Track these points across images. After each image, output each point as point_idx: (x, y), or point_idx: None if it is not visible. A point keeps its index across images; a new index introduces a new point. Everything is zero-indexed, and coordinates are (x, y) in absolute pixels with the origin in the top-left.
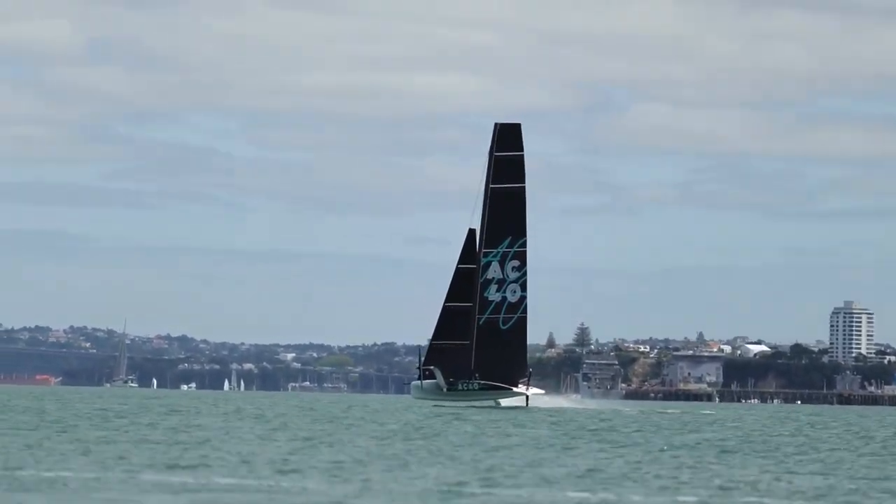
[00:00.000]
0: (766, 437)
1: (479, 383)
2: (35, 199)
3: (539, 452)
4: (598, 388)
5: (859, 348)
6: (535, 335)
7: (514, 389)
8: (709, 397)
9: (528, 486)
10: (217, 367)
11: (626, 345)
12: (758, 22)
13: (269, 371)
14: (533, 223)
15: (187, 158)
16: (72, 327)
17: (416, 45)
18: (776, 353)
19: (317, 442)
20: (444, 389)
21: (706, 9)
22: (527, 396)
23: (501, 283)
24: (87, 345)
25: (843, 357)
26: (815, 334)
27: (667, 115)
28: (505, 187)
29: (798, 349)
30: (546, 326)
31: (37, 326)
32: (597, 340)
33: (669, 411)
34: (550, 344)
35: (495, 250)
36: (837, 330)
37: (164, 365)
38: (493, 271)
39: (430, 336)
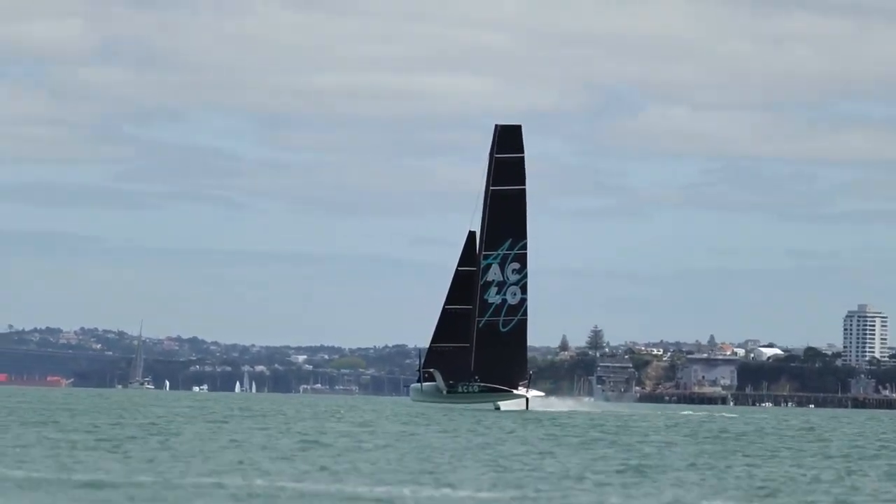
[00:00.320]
0: None
1: (478, 386)
2: (44, 200)
3: None
4: (613, 391)
5: (873, 352)
6: (548, 337)
7: (515, 392)
8: (723, 400)
9: None
10: (228, 368)
11: (638, 347)
12: (769, 24)
13: (280, 373)
14: (543, 225)
15: (196, 159)
16: (82, 329)
17: (425, 46)
18: (789, 356)
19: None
20: (444, 392)
21: (718, 11)
22: (527, 399)
23: (502, 286)
24: (98, 346)
25: (857, 361)
26: (826, 338)
27: (677, 117)
28: (505, 189)
29: (811, 353)
30: (557, 328)
31: (47, 328)
32: (608, 343)
33: (687, 412)
34: (563, 346)
35: (495, 252)
36: (851, 333)
37: (176, 367)
38: (494, 273)
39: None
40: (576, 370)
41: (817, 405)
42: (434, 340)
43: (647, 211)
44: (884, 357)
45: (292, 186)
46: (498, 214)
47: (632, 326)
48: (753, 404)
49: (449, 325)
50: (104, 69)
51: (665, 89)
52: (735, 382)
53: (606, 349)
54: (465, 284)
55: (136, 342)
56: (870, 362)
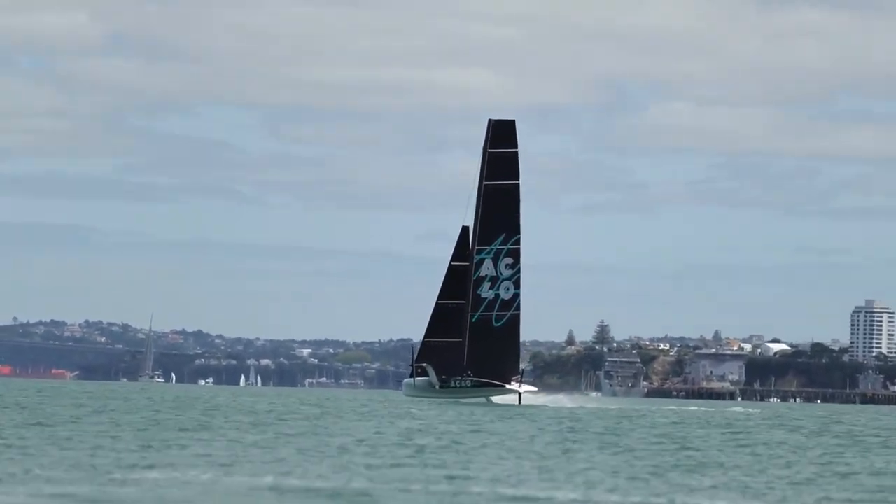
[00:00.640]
0: None
1: (471, 380)
2: (51, 193)
3: None
4: (621, 386)
5: (880, 347)
6: (554, 332)
7: (507, 387)
8: (731, 396)
9: None
10: (234, 362)
11: (644, 342)
12: (777, 20)
13: (286, 367)
14: (549, 220)
15: (203, 152)
16: (87, 322)
17: (434, 40)
18: (796, 351)
19: None
20: (437, 387)
21: (726, 7)
22: (519, 394)
23: (495, 281)
24: (103, 339)
25: (864, 356)
26: (831, 333)
27: (685, 113)
28: (499, 184)
29: (818, 348)
30: (561, 322)
31: (52, 320)
32: (612, 338)
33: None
34: (570, 341)
35: (489, 248)
36: (858, 329)
37: (181, 360)
38: (487, 269)
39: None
40: (583, 365)
41: (824, 401)
42: (427, 335)
43: (654, 206)
44: (891, 353)
45: (299, 180)
46: (491, 209)
47: (636, 321)
48: (762, 400)
49: (442, 319)
50: (111, 61)
51: (672, 85)
52: (743, 378)
53: (614, 344)
54: (459, 279)
55: (140, 335)
56: (877, 358)
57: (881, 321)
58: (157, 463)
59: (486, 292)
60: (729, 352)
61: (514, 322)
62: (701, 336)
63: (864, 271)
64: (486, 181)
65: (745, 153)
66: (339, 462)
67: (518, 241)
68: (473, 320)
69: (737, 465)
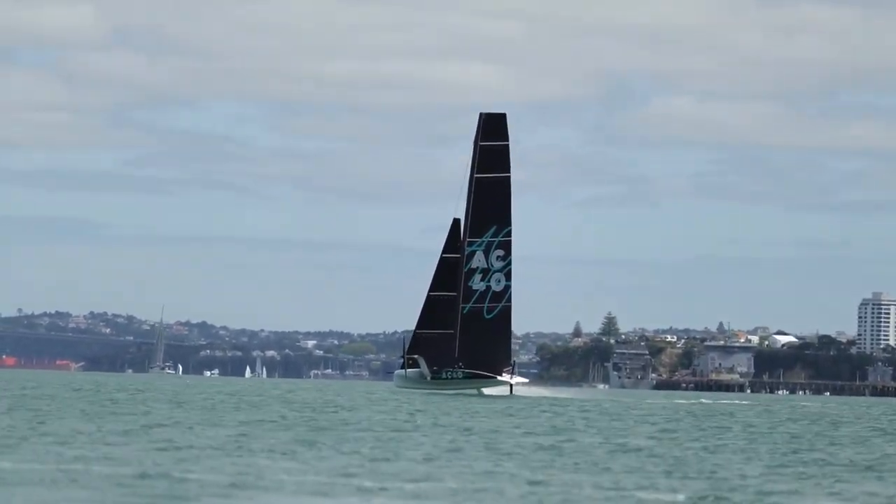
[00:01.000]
0: None
1: (463, 372)
2: (56, 186)
3: None
4: (629, 377)
5: (888, 339)
6: (558, 324)
7: (499, 378)
8: (740, 388)
9: None
10: (239, 353)
11: (648, 334)
12: (778, 14)
13: (291, 358)
14: (552, 213)
15: (208, 146)
16: (92, 313)
17: (438, 35)
18: (804, 344)
19: None
20: (428, 378)
21: (728, 1)
22: (511, 385)
23: (486, 273)
24: (108, 331)
25: (872, 348)
26: (836, 325)
27: (687, 107)
28: (490, 177)
29: (826, 340)
30: (564, 314)
31: (57, 312)
32: (617, 330)
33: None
34: (577, 333)
35: (480, 240)
36: (866, 321)
37: (186, 351)
38: (478, 260)
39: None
40: (590, 357)
41: (833, 393)
42: (418, 327)
43: (657, 200)
44: None
45: (304, 174)
46: (482, 202)
47: (640, 314)
48: (771, 392)
49: (433, 311)
50: (117, 55)
51: (675, 79)
52: (752, 370)
53: (622, 336)
54: (450, 271)
55: (145, 326)
56: (885, 350)
57: (889, 313)
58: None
59: (477, 284)
60: (737, 344)
61: (506, 314)
62: (705, 328)
63: (866, 265)
64: (478, 174)
65: (748, 147)
66: None
67: (509, 234)
68: (465, 312)
69: None
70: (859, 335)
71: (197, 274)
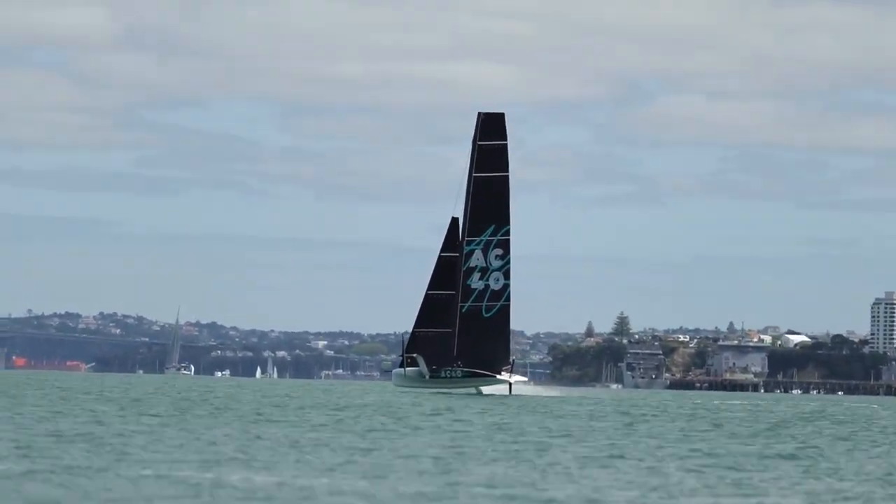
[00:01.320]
0: None
1: (462, 371)
2: (66, 186)
3: None
4: (643, 377)
5: None
6: (567, 324)
7: (498, 377)
8: (755, 388)
9: None
10: (250, 354)
11: (658, 334)
12: (786, 13)
13: (301, 359)
14: (560, 213)
15: (218, 146)
16: (102, 314)
17: (446, 35)
18: (816, 343)
19: None
20: (427, 377)
21: (737, 1)
22: (510, 384)
23: (485, 272)
24: (118, 331)
25: (885, 348)
26: (846, 325)
27: (696, 106)
28: (488, 176)
29: (839, 340)
30: (572, 314)
31: (67, 313)
32: (629, 330)
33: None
34: (589, 333)
35: (478, 238)
36: (879, 320)
37: (198, 352)
38: (476, 259)
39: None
40: (602, 357)
41: (847, 392)
42: (417, 325)
43: (665, 199)
44: None
45: (314, 173)
46: (481, 201)
47: (650, 313)
48: (786, 391)
49: (432, 310)
50: (127, 56)
51: (683, 78)
52: (766, 370)
53: (636, 336)
54: (448, 270)
55: (156, 327)
56: None
57: None
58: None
59: (476, 283)
60: (751, 344)
61: (505, 312)
62: (715, 328)
63: (875, 264)
64: (476, 173)
65: (756, 146)
66: None
67: (508, 233)
68: (463, 311)
69: None
70: (872, 334)
71: (206, 274)
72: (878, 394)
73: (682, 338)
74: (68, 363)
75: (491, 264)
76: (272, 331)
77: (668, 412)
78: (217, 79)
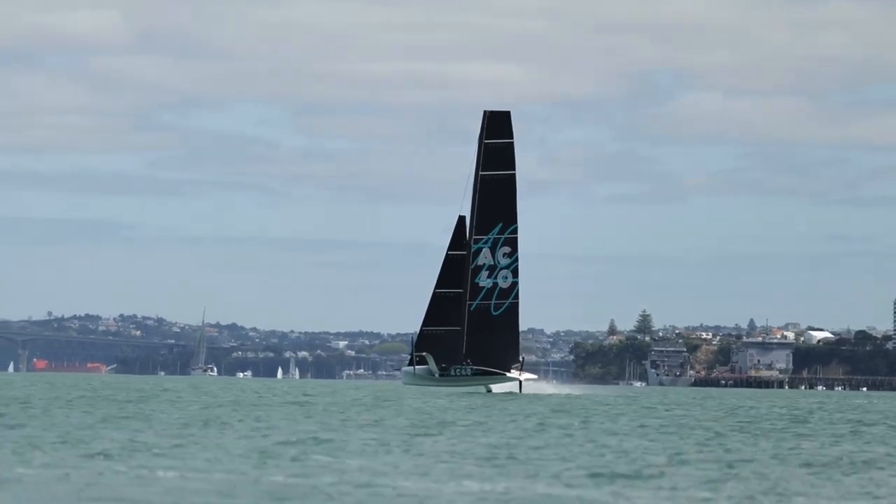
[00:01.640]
0: None
1: (472, 369)
2: (83, 189)
3: None
4: (668, 375)
5: None
6: (591, 322)
7: (508, 375)
8: (780, 384)
9: None
10: (271, 354)
11: (678, 331)
12: (804, 9)
13: (323, 359)
14: (579, 211)
15: (234, 147)
16: (122, 315)
17: (460, 34)
18: (840, 339)
19: None
20: (437, 375)
21: None
22: (520, 382)
23: (493, 270)
24: (138, 333)
25: None
26: (866, 320)
27: (714, 103)
28: (495, 174)
29: (861, 336)
30: (592, 312)
31: (87, 315)
32: (651, 328)
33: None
34: (612, 331)
35: (486, 237)
36: None
37: (219, 353)
38: (484, 257)
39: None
40: (625, 354)
41: (871, 388)
42: (425, 324)
43: (683, 196)
44: None
45: (330, 174)
46: (488, 199)
47: (670, 311)
48: (811, 388)
49: (439, 308)
50: (142, 58)
51: (700, 75)
52: (791, 366)
53: (660, 333)
54: (456, 268)
55: (176, 329)
56: None
57: None
58: None
59: (484, 281)
60: (775, 341)
61: (513, 310)
62: (735, 325)
63: (895, 259)
64: (483, 171)
65: (775, 142)
66: None
67: (515, 231)
68: (472, 309)
69: None
70: (895, 330)
71: (225, 275)
72: None
73: (704, 335)
74: (89, 365)
75: (499, 262)
76: (292, 331)
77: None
78: (232, 80)
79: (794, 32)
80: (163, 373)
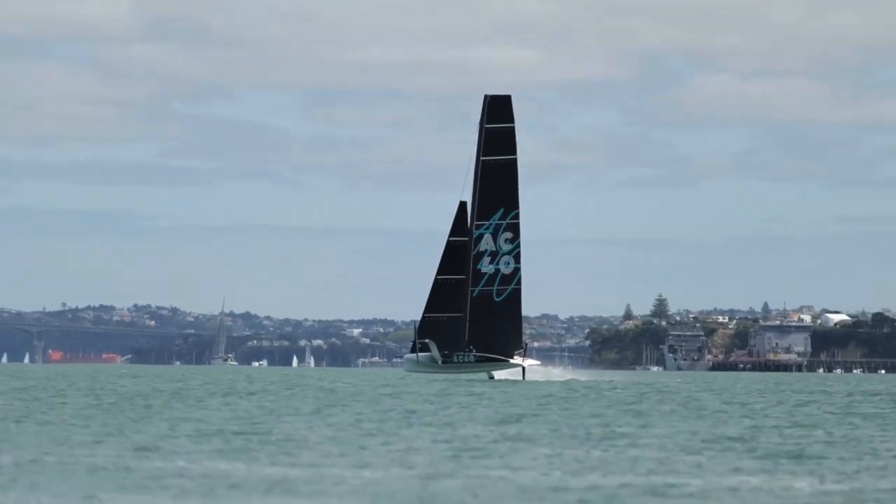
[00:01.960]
0: None
1: (474, 355)
2: (95, 179)
3: None
4: (685, 359)
5: None
6: (605, 306)
7: (511, 361)
8: (798, 368)
9: None
10: (286, 343)
11: (693, 315)
12: None
13: (338, 347)
14: (591, 195)
15: (246, 136)
16: (136, 306)
17: (476, 19)
18: (857, 322)
19: None
20: (440, 362)
21: None
22: (523, 368)
23: (494, 255)
24: (152, 323)
25: None
26: (881, 302)
27: (726, 85)
28: (496, 159)
29: (879, 318)
30: (605, 296)
31: (101, 305)
32: (667, 312)
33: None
34: (628, 316)
35: (487, 222)
36: None
37: (233, 342)
38: (486, 243)
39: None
40: (641, 339)
41: (889, 371)
42: (427, 311)
43: (697, 179)
44: None
45: (341, 161)
46: (489, 184)
47: (684, 294)
48: (829, 370)
49: (441, 295)
50: (153, 47)
51: (713, 57)
52: (809, 349)
53: (677, 318)
54: (457, 255)
55: (190, 318)
56: None
57: None
58: None
59: (486, 267)
60: (793, 324)
61: (516, 296)
62: (750, 308)
63: None
64: (484, 157)
65: (788, 124)
66: None
67: (517, 216)
68: (474, 295)
69: None
70: None
71: (239, 264)
72: None
73: (721, 319)
74: (104, 356)
75: (501, 248)
76: (306, 319)
77: None
78: (243, 68)
79: (807, 14)
80: (178, 363)
